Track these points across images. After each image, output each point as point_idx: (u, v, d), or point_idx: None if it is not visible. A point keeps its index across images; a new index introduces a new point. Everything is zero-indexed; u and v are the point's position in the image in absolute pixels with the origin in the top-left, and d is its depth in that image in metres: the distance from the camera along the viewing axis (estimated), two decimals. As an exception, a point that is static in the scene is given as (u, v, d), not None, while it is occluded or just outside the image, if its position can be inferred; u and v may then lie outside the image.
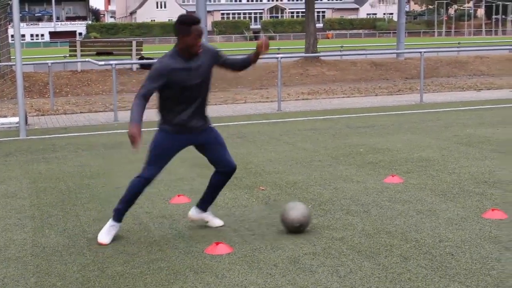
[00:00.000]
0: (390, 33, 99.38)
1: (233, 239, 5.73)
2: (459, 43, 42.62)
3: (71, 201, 7.33)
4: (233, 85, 23.38)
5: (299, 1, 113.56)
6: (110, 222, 5.84)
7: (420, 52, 18.29)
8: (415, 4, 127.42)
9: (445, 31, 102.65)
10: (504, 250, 5.24)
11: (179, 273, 4.95)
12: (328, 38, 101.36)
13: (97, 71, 24.19)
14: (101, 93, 21.44)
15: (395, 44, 33.28)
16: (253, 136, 11.75)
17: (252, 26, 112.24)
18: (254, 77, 24.43)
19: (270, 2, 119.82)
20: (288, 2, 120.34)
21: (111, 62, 15.99)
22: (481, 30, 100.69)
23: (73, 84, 23.03)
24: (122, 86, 22.24)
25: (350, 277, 4.77)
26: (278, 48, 36.31)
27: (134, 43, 26.20)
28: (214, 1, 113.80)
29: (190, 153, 10.08)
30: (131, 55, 25.92)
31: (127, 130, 5.46)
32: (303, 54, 27.10)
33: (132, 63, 24.10)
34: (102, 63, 17.17)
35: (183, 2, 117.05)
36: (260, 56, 5.85)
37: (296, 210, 5.85)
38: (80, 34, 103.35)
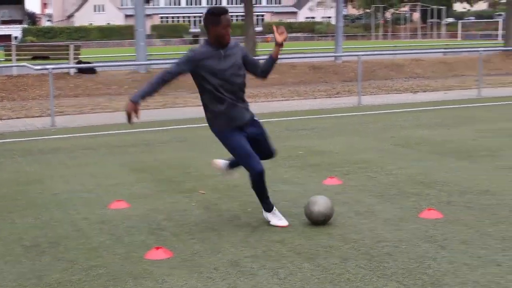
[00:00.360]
0: (328, 36, 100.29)
1: (173, 244, 5.70)
2: (395, 46, 43.37)
3: (6, 208, 7.18)
4: (172, 89, 23.27)
5: (238, 5, 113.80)
6: (267, 214, 6.20)
7: (358, 55, 18.53)
8: (352, 8, 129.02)
9: (382, 34, 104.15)
10: (439, 249, 5.35)
11: (118, 279, 4.89)
12: (268, 41, 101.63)
13: (33, 75, 23.74)
14: (38, 98, 21.04)
15: (334, 47, 33.62)
16: (194, 140, 11.71)
17: (192, 30, 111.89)
18: (193, 81, 24.34)
19: (209, 5, 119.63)
20: (228, 5, 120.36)
21: (48, 66, 15.75)
22: (417, 34, 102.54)
23: (8, 89, 22.55)
24: (59, 91, 21.88)
25: (290, 279, 4.79)
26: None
27: (71, 47, 25.79)
28: (153, 5, 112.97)
29: (129, 157, 10.02)
30: (68, 59, 25.53)
31: (128, 106, 5.78)
32: (243, 58, 27.09)
33: (69, 68, 23.73)
34: (39, 67, 16.89)
35: (122, 5, 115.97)
36: (282, 47, 6.11)
37: (318, 205, 6.04)
38: (16, 38, 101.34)
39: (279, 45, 6.19)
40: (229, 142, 6.12)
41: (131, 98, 5.80)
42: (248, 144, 6.09)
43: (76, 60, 25.55)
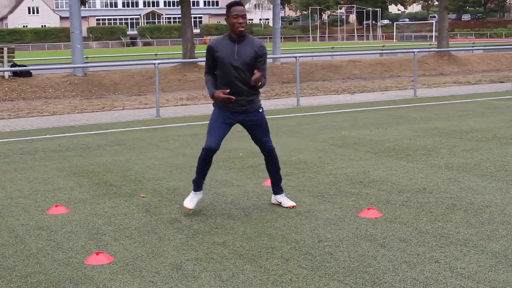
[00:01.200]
0: (266, 38, 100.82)
1: (114, 248, 5.64)
2: (332, 47, 43.86)
3: None
4: (110, 92, 23.03)
5: (175, 7, 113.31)
6: (192, 193, 6.73)
7: (296, 57, 18.67)
8: (290, 10, 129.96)
9: (320, 36, 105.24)
10: (379, 248, 5.43)
11: (58, 286, 4.82)
12: (206, 43, 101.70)
13: (-34, 79, 23.21)
14: (-29, 102, 20.58)
15: (272, 49, 33.79)
16: (132, 143, 11.61)
17: (129, 32, 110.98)
18: (131, 84, 24.16)
19: (147, 7, 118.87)
20: (165, 7, 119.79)
21: (-19, 69, 15.38)
22: (354, 35, 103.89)
23: None
24: (-6, 95, 21.45)
25: (232, 281, 4.80)
26: (155, 54, 36.07)
27: (5, 49, 25.27)
28: (89, 7, 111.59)
29: (67, 162, 9.87)
30: (2, 62, 25.00)
31: (215, 98, 6.40)
32: (181, 60, 27.05)
33: (3, 71, 23.26)
34: (-28, 70, 16.48)
35: (57, 7, 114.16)
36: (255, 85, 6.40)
37: None
38: None
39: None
40: (213, 113, 6.65)
41: (211, 91, 6.43)
42: (223, 129, 6.57)
43: (11, 63, 25.04)
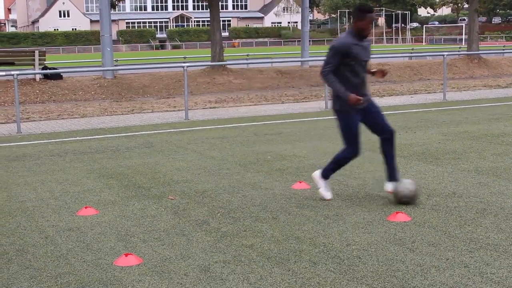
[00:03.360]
0: (295, 41, 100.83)
1: (143, 250, 5.68)
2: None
3: (-28, 216, 7.08)
4: (139, 94, 23.18)
5: (204, 10, 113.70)
6: (322, 182, 7.27)
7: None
8: (318, 13, 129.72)
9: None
10: (408, 252, 5.40)
11: (87, 286, 4.86)
12: (234, 46, 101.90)
13: (-2, 81, 23.50)
14: (3, 104, 20.83)
15: (300, 52, 33.77)
16: (160, 145, 11.67)
17: (158, 35, 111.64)
18: (160, 86, 24.29)
19: (176, 11, 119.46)
20: (194, 11, 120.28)
21: (13, 72, 15.57)
22: (383, 38, 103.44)
23: (-28, 96, 22.29)
24: (25, 97, 21.69)
25: (260, 284, 4.80)
26: (184, 57, 36.24)
27: (36, 52, 25.56)
28: (119, 10, 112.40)
29: (97, 164, 9.95)
30: (33, 65, 25.29)
31: (349, 101, 6.79)
32: (210, 63, 27.14)
33: (35, 73, 23.51)
34: (3, 73, 16.69)
35: (87, 11, 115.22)
36: (375, 79, 6.97)
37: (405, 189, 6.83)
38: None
39: (372, 74, 7.23)
40: (345, 122, 7.08)
41: (344, 93, 6.80)
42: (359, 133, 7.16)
43: (42, 66, 25.32)
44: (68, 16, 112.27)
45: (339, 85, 6.85)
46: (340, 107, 6.93)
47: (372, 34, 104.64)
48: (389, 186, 7.25)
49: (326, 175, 7.24)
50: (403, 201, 6.88)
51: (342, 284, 4.75)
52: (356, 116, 6.96)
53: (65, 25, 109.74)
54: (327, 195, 7.24)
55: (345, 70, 6.84)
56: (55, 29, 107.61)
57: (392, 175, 7.20)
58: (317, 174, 7.34)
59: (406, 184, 6.87)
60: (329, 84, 6.92)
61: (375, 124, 7.10)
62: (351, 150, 7.04)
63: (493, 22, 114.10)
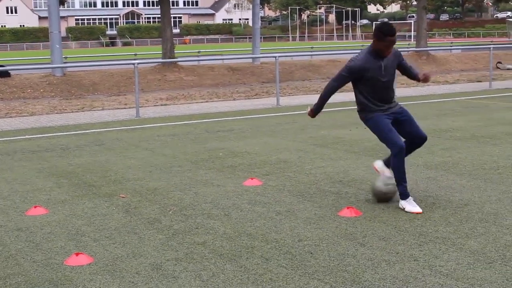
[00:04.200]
0: (246, 38, 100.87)
1: (94, 249, 5.63)
2: (312, 47, 43.94)
3: None
4: (90, 92, 22.93)
5: (155, 7, 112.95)
6: (404, 202, 6.59)
7: (275, 57, 18.69)
8: (269, 9, 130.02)
9: (299, 36, 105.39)
10: (359, 246, 5.46)
11: (37, 287, 4.79)
12: (185, 43, 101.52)
13: None
14: (-51, 102, 20.39)
15: (251, 49, 33.81)
16: (111, 143, 11.57)
17: (108, 32, 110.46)
18: (111, 84, 24.07)
19: (126, 7, 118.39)
20: (144, 7, 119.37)
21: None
22: (333, 35, 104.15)
23: None
24: (-29, 95, 21.28)
25: (213, 281, 4.80)
26: (135, 54, 35.96)
27: (-17, 50, 25.12)
28: (68, 6, 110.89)
29: (46, 162, 9.81)
30: (-20, 62, 24.85)
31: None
32: (160, 60, 26.99)
33: (-19, 71, 23.08)
34: (-51, 71, 16.34)
35: (35, 7, 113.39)
36: (423, 84, 6.74)
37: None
38: None
39: (418, 80, 6.97)
40: (375, 124, 6.81)
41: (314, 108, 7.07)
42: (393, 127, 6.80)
43: (-12, 64, 24.87)
44: (16, 12, 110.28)
45: (320, 99, 6.99)
46: (365, 115, 6.80)
47: (323, 31, 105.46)
48: (378, 164, 7.15)
49: (402, 191, 6.63)
50: (378, 194, 6.84)
51: (294, 279, 4.78)
52: (383, 115, 6.69)
53: (12, 22, 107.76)
54: (416, 209, 6.52)
55: (361, 87, 6.75)
56: (2, 26, 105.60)
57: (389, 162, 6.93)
58: (401, 202, 6.69)
59: (387, 180, 6.82)
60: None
61: (408, 132, 6.84)
62: (393, 146, 6.55)
63: (441, 19, 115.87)
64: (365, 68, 6.56)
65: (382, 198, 6.85)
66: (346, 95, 19.79)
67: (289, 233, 5.91)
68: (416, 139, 6.85)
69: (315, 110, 7.06)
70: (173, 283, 4.78)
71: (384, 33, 6.47)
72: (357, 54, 6.74)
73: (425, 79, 6.87)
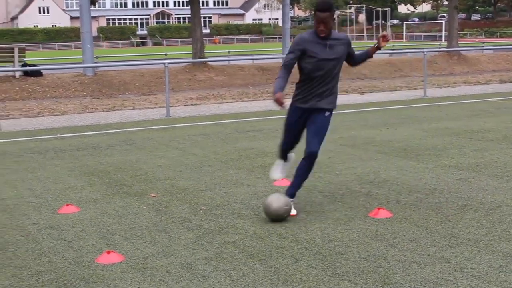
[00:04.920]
0: (276, 38, 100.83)
1: (125, 247, 5.67)
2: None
3: (-48, 214, 7.02)
4: (120, 91, 23.09)
5: (185, 7, 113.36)
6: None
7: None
8: (299, 9, 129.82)
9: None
10: (389, 248, 5.43)
11: (69, 284, 4.84)
12: (215, 43, 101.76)
13: (-23, 79, 23.31)
14: (-18, 101, 20.66)
15: (281, 48, 33.77)
16: (142, 142, 11.64)
17: (139, 32, 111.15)
18: (141, 83, 24.21)
19: (156, 7, 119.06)
20: (174, 7, 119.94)
21: (-8, 69, 15.45)
22: (363, 35, 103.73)
23: (-49, 93, 22.09)
24: (5, 94, 21.55)
25: (242, 281, 4.81)
26: (165, 54, 36.13)
27: (16, 49, 25.37)
28: (99, 7, 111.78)
29: (78, 161, 9.90)
30: (13, 62, 25.09)
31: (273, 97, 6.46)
32: (191, 60, 27.08)
33: (14, 70, 23.34)
34: (-17, 70, 16.56)
35: (67, 7, 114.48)
36: (382, 48, 6.48)
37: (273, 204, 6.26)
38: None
39: (379, 48, 6.59)
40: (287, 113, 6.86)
41: (275, 89, 6.53)
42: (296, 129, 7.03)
43: (21, 63, 25.14)
44: (48, 12, 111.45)
45: (279, 79, 6.71)
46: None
47: (353, 31, 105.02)
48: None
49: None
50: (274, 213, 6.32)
51: (324, 280, 4.76)
52: (296, 112, 6.91)
53: (45, 22, 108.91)
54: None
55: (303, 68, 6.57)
56: (34, 26, 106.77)
57: (289, 191, 6.58)
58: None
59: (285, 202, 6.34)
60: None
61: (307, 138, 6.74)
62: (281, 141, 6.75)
63: (472, 19, 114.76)
64: (307, 41, 6.33)
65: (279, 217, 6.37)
66: (377, 95, 19.71)
67: (319, 233, 5.90)
68: (306, 149, 6.87)
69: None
70: (203, 282, 4.79)
71: (315, 10, 6.21)
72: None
73: (384, 38, 6.48)
